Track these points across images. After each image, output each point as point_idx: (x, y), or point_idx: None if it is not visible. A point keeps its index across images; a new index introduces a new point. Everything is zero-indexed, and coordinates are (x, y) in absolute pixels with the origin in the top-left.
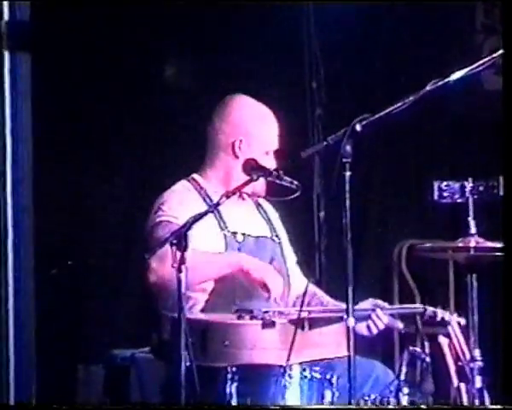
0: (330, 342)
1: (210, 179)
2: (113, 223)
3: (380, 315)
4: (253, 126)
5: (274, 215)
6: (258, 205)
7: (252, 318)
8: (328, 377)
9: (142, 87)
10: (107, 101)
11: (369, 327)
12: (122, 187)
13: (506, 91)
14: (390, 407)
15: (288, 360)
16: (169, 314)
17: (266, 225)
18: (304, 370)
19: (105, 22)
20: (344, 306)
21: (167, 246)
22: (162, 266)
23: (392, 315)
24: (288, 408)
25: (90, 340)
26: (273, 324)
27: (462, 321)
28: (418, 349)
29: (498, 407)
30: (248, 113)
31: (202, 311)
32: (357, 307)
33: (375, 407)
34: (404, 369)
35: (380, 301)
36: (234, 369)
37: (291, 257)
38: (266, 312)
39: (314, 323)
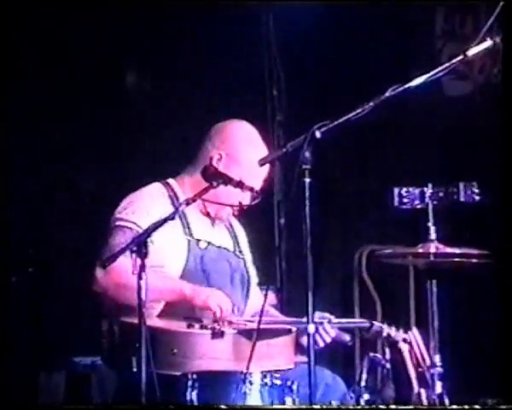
0: (278, 354)
1: (185, 186)
2: (76, 230)
3: (327, 329)
4: (242, 153)
5: (241, 234)
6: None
7: (202, 327)
8: (288, 383)
9: (121, 91)
10: (75, 104)
11: (315, 340)
12: (88, 190)
13: (505, 95)
14: (392, 406)
15: (247, 367)
16: (123, 320)
17: (231, 241)
18: (264, 376)
19: (71, 34)
20: (291, 319)
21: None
22: (105, 276)
23: (339, 328)
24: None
25: (52, 347)
26: (222, 334)
27: (408, 338)
28: (378, 355)
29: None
30: (246, 141)
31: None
32: (303, 320)
33: (374, 407)
34: (364, 375)
35: (327, 314)
36: (194, 376)
37: (253, 276)
38: (216, 321)
39: (261, 335)
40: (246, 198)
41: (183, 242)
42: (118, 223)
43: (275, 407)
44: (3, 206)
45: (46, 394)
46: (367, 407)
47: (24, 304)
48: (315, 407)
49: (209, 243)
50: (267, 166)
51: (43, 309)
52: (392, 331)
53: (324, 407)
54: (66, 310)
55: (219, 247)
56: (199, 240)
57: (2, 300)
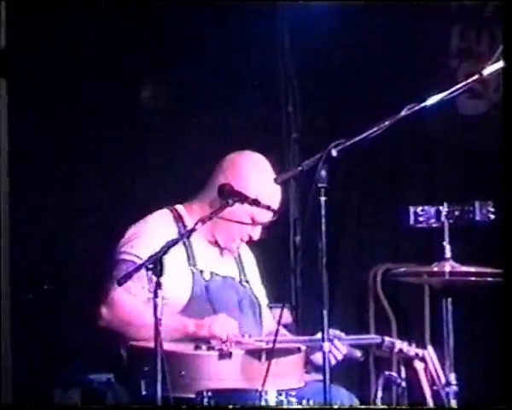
0: (288, 373)
1: (193, 213)
2: (90, 247)
3: (338, 345)
4: (256, 189)
5: (247, 258)
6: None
7: (209, 348)
8: (304, 402)
9: (122, 109)
10: (84, 123)
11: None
12: (100, 211)
13: (506, 105)
14: (393, 406)
15: (263, 384)
16: (132, 344)
17: (236, 268)
18: (279, 395)
19: (81, 47)
20: (302, 338)
21: (117, 292)
22: (110, 313)
23: (351, 345)
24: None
25: (67, 364)
26: (230, 355)
27: (420, 352)
28: (394, 374)
29: None
30: (259, 176)
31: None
32: (314, 337)
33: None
34: (379, 393)
35: (338, 332)
36: (209, 394)
37: (263, 300)
38: (224, 342)
39: (271, 354)
40: (261, 218)
41: (187, 273)
42: (122, 256)
43: (276, 407)
44: (18, 223)
45: None
46: (364, 407)
47: (40, 321)
48: (315, 407)
49: (213, 273)
50: (280, 195)
51: (58, 326)
52: (405, 346)
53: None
54: (81, 327)
55: (224, 277)
56: (202, 271)
57: (19, 317)
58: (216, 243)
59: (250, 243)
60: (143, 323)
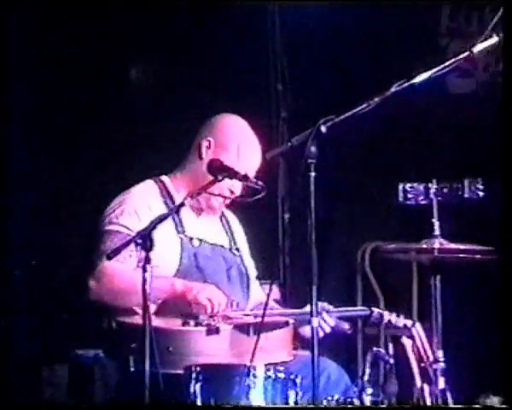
0: (276, 347)
1: (179, 184)
2: (80, 222)
3: (326, 318)
4: (230, 139)
5: (237, 228)
6: (222, 216)
7: (197, 324)
8: (292, 377)
9: (116, 88)
10: (82, 104)
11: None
12: (91, 187)
13: (505, 97)
14: (394, 406)
15: (251, 360)
16: (119, 319)
17: (226, 237)
18: (268, 370)
19: (86, 31)
20: (289, 311)
21: (104, 263)
22: (98, 284)
23: (339, 317)
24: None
25: (55, 340)
26: (217, 330)
27: (409, 323)
28: (381, 350)
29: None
30: (233, 128)
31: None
32: (302, 310)
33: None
34: (367, 370)
35: (326, 304)
36: (198, 369)
37: (252, 271)
38: (212, 317)
39: (259, 329)
40: (238, 189)
41: (175, 240)
42: (108, 227)
43: (276, 406)
44: (5, 198)
45: (49, 386)
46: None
47: (26, 297)
48: (310, 406)
49: (202, 240)
50: (259, 156)
51: (45, 302)
52: (393, 318)
53: (322, 406)
54: (68, 303)
55: (213, 244)
56: (191, 238)
57: (5, 293)
58: (199, 208)
59: (232, 199)
60: (134, 290)
